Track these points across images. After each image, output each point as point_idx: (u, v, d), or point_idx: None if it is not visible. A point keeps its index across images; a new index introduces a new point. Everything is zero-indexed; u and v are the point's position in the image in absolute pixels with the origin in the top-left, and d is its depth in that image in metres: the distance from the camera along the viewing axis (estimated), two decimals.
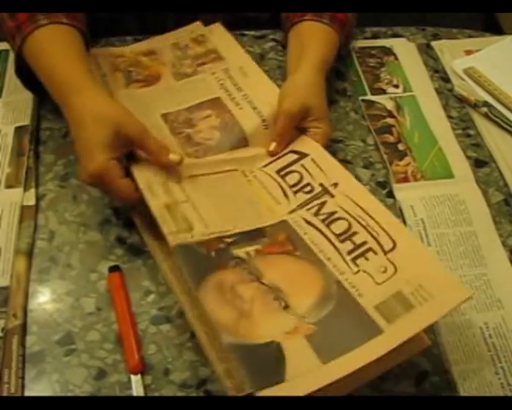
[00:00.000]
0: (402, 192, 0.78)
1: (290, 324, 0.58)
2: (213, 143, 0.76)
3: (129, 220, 0.74)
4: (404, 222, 0.75)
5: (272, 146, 0.75)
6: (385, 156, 0.82)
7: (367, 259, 0.62)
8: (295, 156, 0.74)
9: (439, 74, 0.94)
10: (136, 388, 0.61)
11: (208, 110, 0.80)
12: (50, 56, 0.74)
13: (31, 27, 0.75)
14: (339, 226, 0.66)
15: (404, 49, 0.98)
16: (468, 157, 0.83)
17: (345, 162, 0.81)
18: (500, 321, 0.67)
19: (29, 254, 0.70)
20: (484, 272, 0.71)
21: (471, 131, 0.87)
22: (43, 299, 0.67)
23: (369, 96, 0.90)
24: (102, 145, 0.67)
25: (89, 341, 0.64)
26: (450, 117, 0.88)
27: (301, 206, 0.69)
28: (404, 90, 0.91)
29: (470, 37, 1.01)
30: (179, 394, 0.61)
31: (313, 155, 0.74)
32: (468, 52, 0.97)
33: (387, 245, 0.63)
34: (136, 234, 0.72)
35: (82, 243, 0.72)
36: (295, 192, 0.71)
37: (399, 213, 0.76)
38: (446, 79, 0.93)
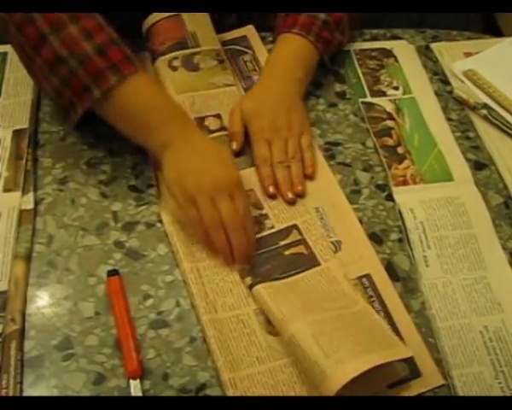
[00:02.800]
0: (401, 195, 0.78)
1: None
2: None
3: (127, 224, 0.74)
4: (404, 225, 0.75)
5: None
6: (384, 160, 0.82)
7: None
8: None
9: (439, 76, 0.94)
10: (135, 393, 0.61)
11: None
12: (155, 96, 0.76)
13: (132, 68, 0.73)
14: None
15: (404, 51, 0.98)
16: (468, 160, 0.83)
17: (344, 165, 0.81)
18: (500, 325, 0.67)
19: (27, 259, 0.70)
20: (484, 275, 0.71)
21: (471, 134, 0.87)
22: (42, 303, 0.67)
23: (369, 99, 0.90)
24: (233, 161, 0.75)
25: (87, 345, 0.64)
26: (449, 119, 0.88)
27: None
28: (404, 93, 0.91)
29: (469, 39, 1.01)
30: None
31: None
32: (468, 54, 0.97)
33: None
34: (135, 238, 0.72)
35: (80, 247, 0.72)
36: None
37: (399, 217, 0.76)
38: (446, 82, 0.93)
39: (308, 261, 0.70)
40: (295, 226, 0.73)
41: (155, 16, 0.90)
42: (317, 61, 0.88)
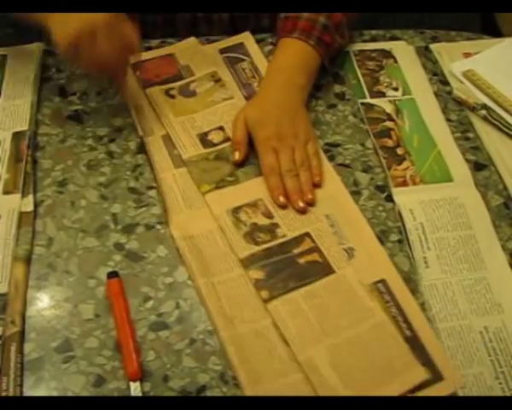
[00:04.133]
0: (401, 196, 0.78)
1: None
2: None
3: (127, 226, 0.73)
4: (404, 226, 0.75)
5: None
6: (383, 161, 0.82)
7: None
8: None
9: (438, 77, 0.94)
10: (135, 395, 0.61)
11: None
12: None
13: None
14: None
15: (404, 52, 0.98)
16: (468, 160, 0.83)
17: (343, 166, 0.81)
18: (500, 325, 0.67)
19: (27, 261, 0.70)
20: (484, 275, 0.71)
21: (470, 134, 0.87)
22: (42, 305, 0.67)
23: (369, 100, 0.90)
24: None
25: (87, 348, 0.64)
26: (449, 120, 0.88)
27: None
28: (404, 94, 0.91)
29: (469, 39, 1.01)
30: None
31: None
32: (467, 55, 0.97)
33: None
34: (135, 240, 0.72)
35: (80, 249, 0.72)
36: None
37: (399, 218, 0.76)
38: (445, 82, 0.93)
39: (323, 269, 0.69)
40: (308, 234, 0.72)
41: (147, 54, 0.91)
42: (319, 65, 0.88)
